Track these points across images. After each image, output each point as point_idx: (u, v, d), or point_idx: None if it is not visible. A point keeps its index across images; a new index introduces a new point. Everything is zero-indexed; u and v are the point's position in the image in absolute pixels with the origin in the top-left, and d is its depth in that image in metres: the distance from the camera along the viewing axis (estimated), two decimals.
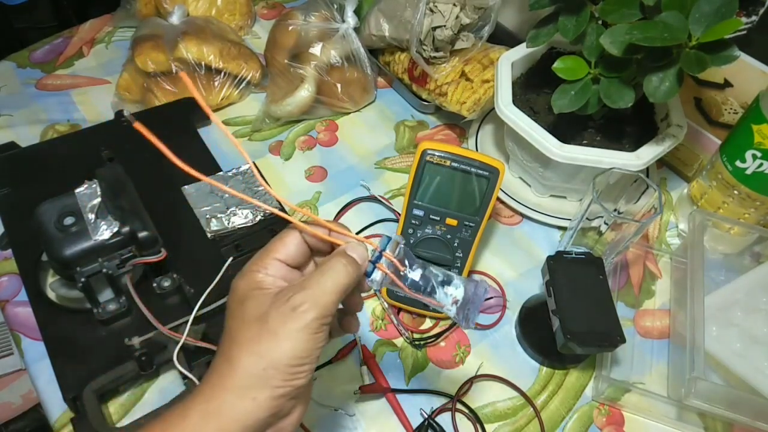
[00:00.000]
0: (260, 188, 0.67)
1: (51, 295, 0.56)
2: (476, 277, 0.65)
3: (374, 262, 0.37)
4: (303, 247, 0.38)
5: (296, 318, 0.33)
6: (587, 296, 0.54)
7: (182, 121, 0.74)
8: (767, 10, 0.88)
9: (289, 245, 0.37)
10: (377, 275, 0.37)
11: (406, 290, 0.38)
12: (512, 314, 0.62)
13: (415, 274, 0.38)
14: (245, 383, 0.32)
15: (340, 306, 0.38)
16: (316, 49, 0.75)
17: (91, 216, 0.52)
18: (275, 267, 0.36)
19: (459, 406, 0.55)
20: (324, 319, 0.34)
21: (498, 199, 0.68)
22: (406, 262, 0.38)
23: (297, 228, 0.37)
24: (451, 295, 0.38)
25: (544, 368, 0.59)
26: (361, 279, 0.37)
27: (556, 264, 0.55)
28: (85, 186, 0.54)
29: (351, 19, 0.77)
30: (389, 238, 0.38)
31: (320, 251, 0.39)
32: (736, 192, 0.63)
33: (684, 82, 0.50)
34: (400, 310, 0.61)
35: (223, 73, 0.78)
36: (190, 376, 0.51)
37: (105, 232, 0.51)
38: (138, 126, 0.33)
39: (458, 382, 0.56)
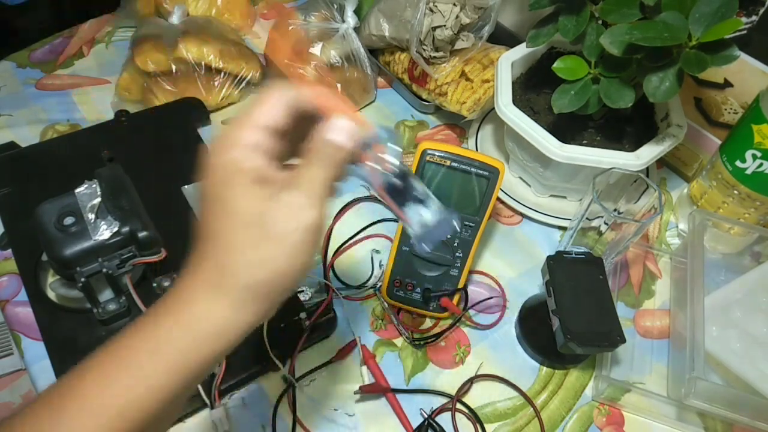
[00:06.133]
0: None
1: (51, 295, 0.56)
2: (476, 277, 0.65)
3: (363, 149, 0.34)
4: (294, 109, 0.31)
5: (300, 220, 0.29)
6: (587, 296, 0.54)
7: (182, 121, 0.74)
8: (767, 10, 0.88)
9: (274, 107, 0.30)
10: (361, 169, 0.34)
11: (379, 190, 0.35)
12: (512, 314, 0.62)
13: (397, 180, 0.35)
14: (245, 296, 0.29)
15: None
16: (316, 49, 0.75)
17: (91, 216, 0.52)
18: (259, 137, 0.30)
19: (459, 406, 0.55)
20: (324, 212, 0.31)
21: (498, 199, 0.68)
22: (392, 164, 0.35)
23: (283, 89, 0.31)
24: (421, 215, 0.36)
25: (544, 368, 0.59)
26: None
27: (556, 264, 0.55)
28: (85, 186, 0.54)
29: (351, 19, 0.77)
30: (387, 133, 0.35)
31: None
32: (736, 192, 0.63)
33: (684, 82, 0.50)
34: (400, 310, 0.61)
35: (223, 73, 0.78)
36: None
37: (105, 232, 0.51)
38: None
39: (458, 382, 0.56)
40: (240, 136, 0.30)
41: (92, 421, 0.28)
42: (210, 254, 0.30)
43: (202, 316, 0.29)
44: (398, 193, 0.35)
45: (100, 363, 0.30)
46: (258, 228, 0.29)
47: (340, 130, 0.31)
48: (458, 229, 0.37)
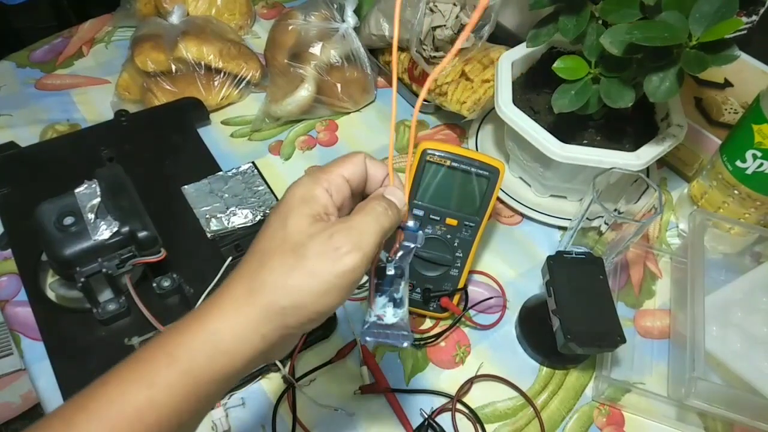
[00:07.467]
0: (260, 188, 0.67)
1: (51, 295, 0.56)
2: (476, 277, 0.65)
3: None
4: (364, 173, 0.35)
5: (338, 261, 0.30)
6: (587, 296, 0.54)
7: (182, 120, 0.74)
8: (767, 10, 0.88)
9: (357, 164, 0.35)
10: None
11: (373, 268, 0.37)
12: (512, 314, 0.62)
13: (392, 270, 0.38)
14: (261, 317, 0.30)
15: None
16: (316, 49, 0.75)
17: (91, 216, 0.52)
18: (337, 185, 0.33)
19: (459, 406, 0.55)
20: (365, 266, 0.31)
21: (498, 198, 0.68)
22: (401, 254, 0.38)
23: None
24: (385, 312, 0.37)
25: (544, 368, 0.58)
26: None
27: (556, 264, 0.55)
28: (85, 186, 0.54)
29: (351, 19, 0.77)
30: (415, 230, 0.38)
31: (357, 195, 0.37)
32: (736, 192, 0.63)
33: (684, 82, 0.50)
34: None
35: (222, 73, 0.78)
36: None
37: (104, 232, 0.51)
38: None
39: (458, 382, 0.56)
40: (320, 176, 0.33)
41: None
42: (245, 270, 0.31)
43: (218, 329, 0.30)
44: (386, 280, 0.37)
45: (118, 372, 0.30)
46: (297, 257, 0.30)
47: (396, 195, 0.35)
48: (407, 347, 0.41)
